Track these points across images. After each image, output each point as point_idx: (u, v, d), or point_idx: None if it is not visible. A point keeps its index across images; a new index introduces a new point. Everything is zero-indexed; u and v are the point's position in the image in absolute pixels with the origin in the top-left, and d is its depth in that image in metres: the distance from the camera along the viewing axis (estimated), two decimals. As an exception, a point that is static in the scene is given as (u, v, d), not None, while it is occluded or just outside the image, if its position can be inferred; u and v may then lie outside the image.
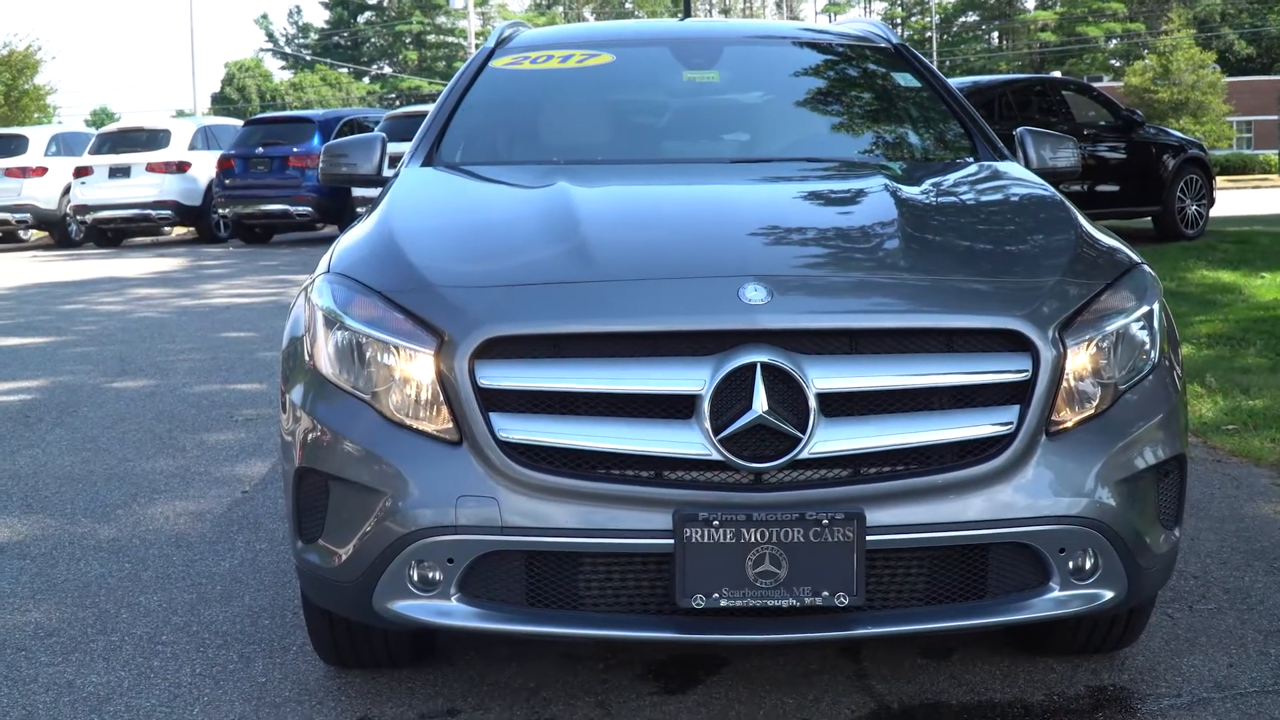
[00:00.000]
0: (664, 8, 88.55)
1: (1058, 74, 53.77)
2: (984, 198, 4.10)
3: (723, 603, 2.91)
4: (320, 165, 4.81)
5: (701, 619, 2.97)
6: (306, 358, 3.31)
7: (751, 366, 2.89)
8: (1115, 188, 15.53)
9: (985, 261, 3.41)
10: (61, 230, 24.39)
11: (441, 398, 3.03)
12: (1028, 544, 3.02)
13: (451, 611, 3.06)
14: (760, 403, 2.87)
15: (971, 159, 4.54)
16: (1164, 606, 4.13)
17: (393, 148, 4.84)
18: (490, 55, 5.12)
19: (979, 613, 3.06)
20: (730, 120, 5.02)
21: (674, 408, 2.93)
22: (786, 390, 2.89)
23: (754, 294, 2.98)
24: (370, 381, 3.13)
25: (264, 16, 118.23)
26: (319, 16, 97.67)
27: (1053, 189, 4.06)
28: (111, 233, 24.10)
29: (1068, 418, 3.08)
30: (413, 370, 3.07)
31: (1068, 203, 3.87)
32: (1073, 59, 78.28)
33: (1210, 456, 6.15)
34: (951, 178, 4.22)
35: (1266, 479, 5.74)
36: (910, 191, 3.90)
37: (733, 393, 2.89)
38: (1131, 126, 15.76)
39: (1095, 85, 26.88)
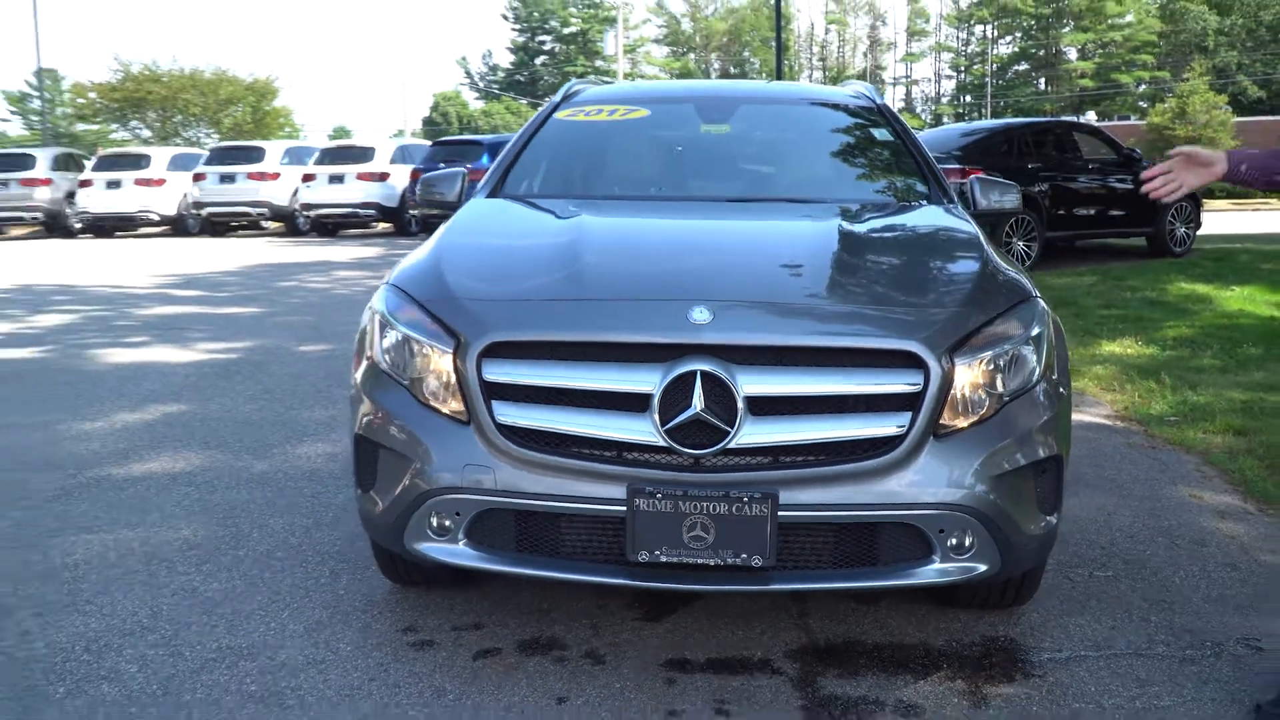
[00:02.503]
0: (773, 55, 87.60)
1: (1092, 115, 52.28)
2: (915, 237, 3.95)
3: (663, 558, 2.91)
4: (418, 193, 4.84)
5: (647, 570, 2.96)
6: (368, 350, 3.36)
7: (693, 373, 2.88)
8: (1120, 212, 15.05)
9: (897, 291, 3.32)
10: (291, 223, 24.86)
11: (457, 387, 3.05)
12: (913, 524, 2.96)
13: (459, 553, 3.10)
14: (699, 402, 2.86)
15: (925, 202, 4.38)
16: (1066, 570, 4.01)
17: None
18: (556, 108, 5.07)
19: (871, 577, 3.02)
20: (735, 167, 4.90)
21: (632, 403, 2.92)
22: (721, 392, 2.87)
23: (699, 315, 2.95)
24: (409, 372, 3.17)
25: (463, 58, 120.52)
26: (505, 59, 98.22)
27: (977, 230, 3.91)
28: (330, 226, 24.51)
29: (955, 422, 3.00)
30: (438, 364, 3.09)
31: (984, 242, 3.72)
32: (1107, 100, 75.83)
33: (1148, 444, 5.89)
34: (895, 219, 4.10)
35: (1191, 465, 5.47)
36: (855, 230, 3.81)
37: (678, 393, 2.88)
38: (1131, 162, 15.23)
39: (1106, 126, 25.90)
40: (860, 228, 3.86)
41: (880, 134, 4.91)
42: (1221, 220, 28.14)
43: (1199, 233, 16.26)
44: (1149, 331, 9.29)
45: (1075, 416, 6.46)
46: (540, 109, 5.13)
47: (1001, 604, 3.59)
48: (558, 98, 5.19)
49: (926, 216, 4.15)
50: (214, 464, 5.42)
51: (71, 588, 3.84)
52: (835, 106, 5.22)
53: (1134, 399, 6.86)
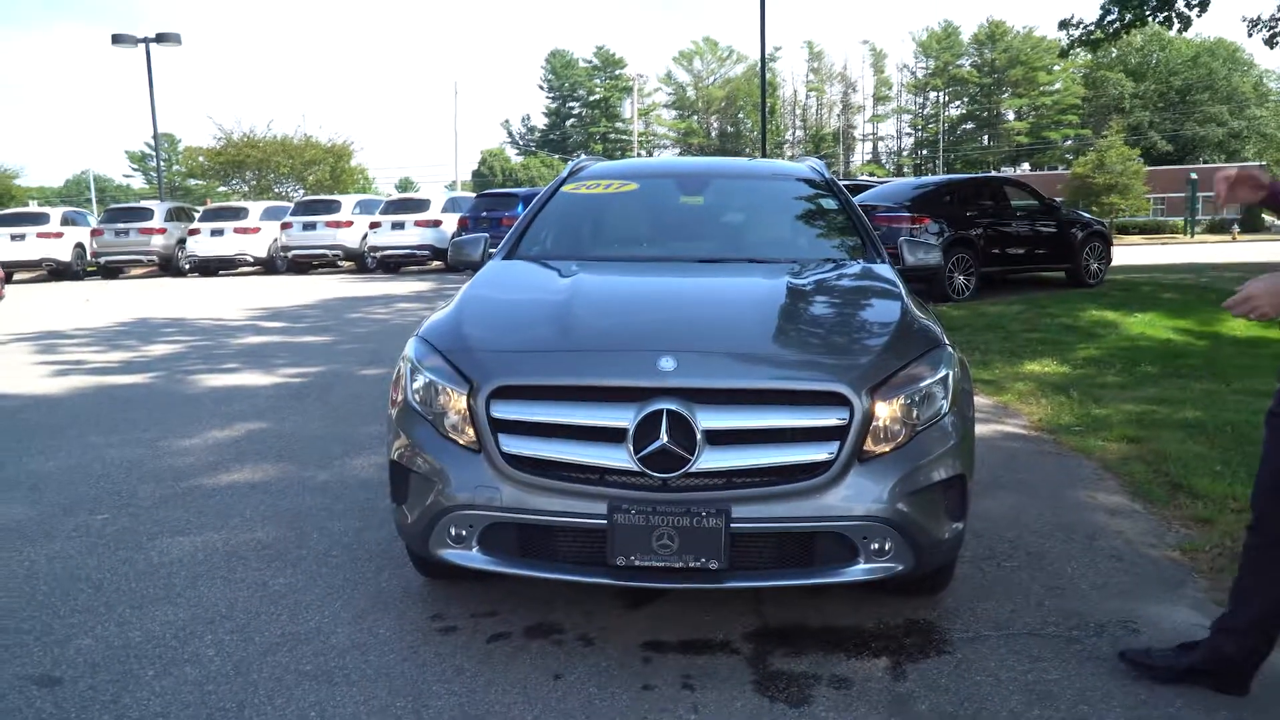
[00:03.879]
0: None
1: (1026, 166, 52.23)
2: (847, 291, 3.96)
3: (637, 562, 2.95)
4: (450, 254, 4.90)
5: (624, 571, 2.99)
6: (401, 390, 3.41)
7: (660, 411, 2.92)
8: (1043, 251, 15.03)
9: (829, 340, 3.36)
10: (361, 262, 24.87)
11: (470, 422, 3.10)
12: (841, 533, 2.99)
13: (473, 558, 3.14)
14: (665, 435, 2.90)
15: (860, 261, 4.36)
16: (979, 563, 4.02)
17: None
18: (563, 182, 5.10)
19: (808, 575, 3.04)
20: (706, 232, 4.90)
21: (611, 435, 2.96)
22: (683, 427, 2.91)
23: (666, 364, 3.00)
24: (433, 409, 3.22)
25: (506, 121, 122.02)
26: (541, 121, 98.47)
27: (900, 285, 3.92)
28: (393, 264, 24.55)
29: (875, 449, 3.03)
30: (455, 404, 3.14)
31: (904, 297, 3.74)
32: (1039, 153, 75.70)
33: (1056, 451, 5.87)
34: (833, 276, 4.10)
35: (1089, 469, 5.45)
36: (799, 285, 3.83)
37: (649, 427, 2.92)
38: (1052, 210, 15.21)
39: (1037, 175, 25.71)
40: (803, 284, 3.88)
41: (827, 203, 4.91)
42: (1133, 253, 27.93)
43: (1111, 265, 16.21)
44: (1064, 352, 9.27)
45: (998, 427, 6.49)
46: (550, 183, 5.16)
47: (920, 592, 3.62)
48: (564, 173, 5.21)
49: (859, 274, 4.16)
50: (286, 474, 5.46)
51: (166, 583, 3.90)
52: (790, 179, 5.22)
53: (1047, 411, 6.86)
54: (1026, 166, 73.10)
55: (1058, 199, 15.95)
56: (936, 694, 2.99)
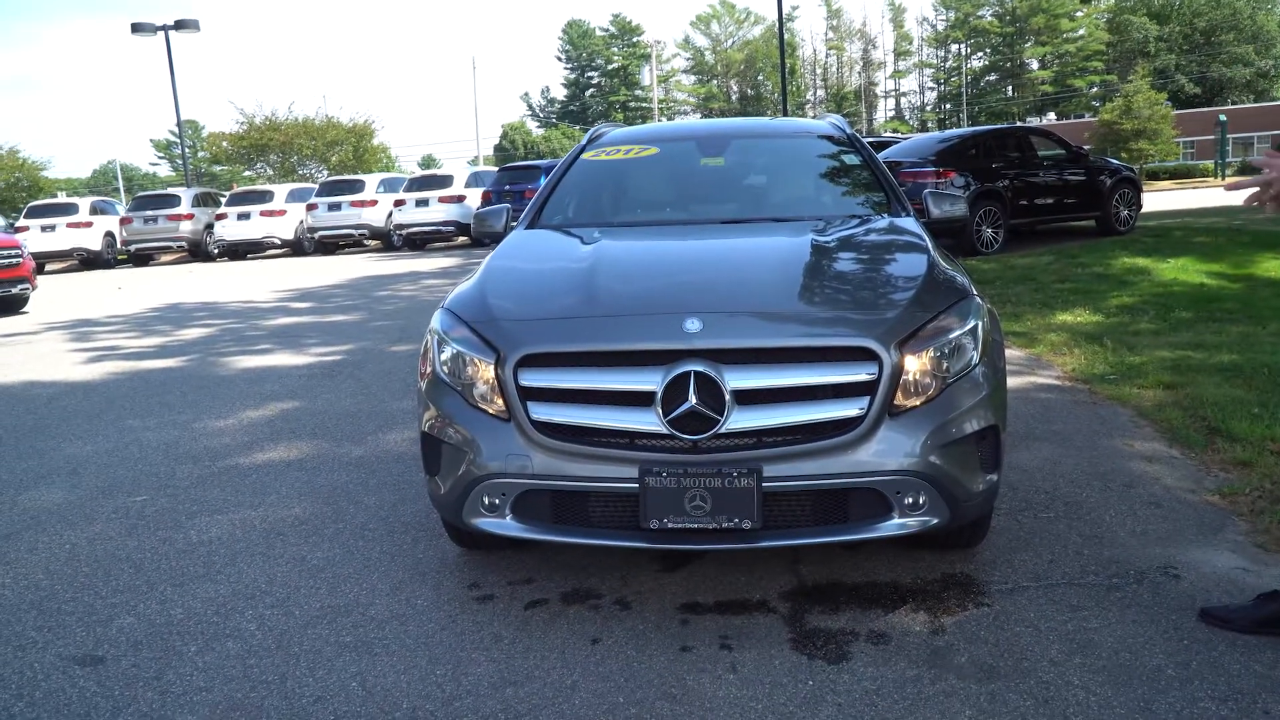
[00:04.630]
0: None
1: (1053, 115, 51.42)
2: (873, 246, 3.90)
3: (670, 525, 2.94)
4: (473, 226, 4.88)
5: (658, 534, 2.99)
6: (429, 362, 3.40)
7: (688, 373, 2.90)
8: (1073, 200, 14.79)
9: (856, 295, 3.30)
10: (387, 240, 24.96)
11: (498, 391, 3.09)
12: (874, 489, 2.97)
13: (506, 526, 3.14)
14: (693, 397, 2.88)
15: (886, 215, 4.29)
16: (1015, 514, 3.97)
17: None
18: (583, 149, 5.05)
19: (842, 532, 3.02)
20: (728, 193, 4.83)
21: (640, 399, 2.94)
22: (711, 388, 2.89)
23: (691, 325, 2.97)
24: (460, 379, 3.21)
25: (525, 94, 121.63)
26: (560, 92, 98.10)
27: (927, 238, 3.85)
28: (419, 241, 24.59)
29: (906, 403, 2.99)
30: (483, 374, 3.13)
31: (931, 248, 3.68)
32: (1064, 102, 74.40)
33: (1090, 400, 5.80)
34: (858, 232, 4.02)
35: (1126, 417, 5.38)
36: (824, 243, 3.77)
37: (677, 389, 2.90)
38: (1079, 158, 14.93)
39: (1064, 124, 25.33)
40: (828, 241, 3.82)
41: (849, 159, 4.83)
42: (1163, 199, 27.45)
43: (1142, 211, 15.93)
44: (1096, 301, 9.14)
45: (1031, 379, 6.42)
46: (570, 150, 5.12)
47: (957, 546, 3.59)
48: (584, 140, 5.16)
49: (884, 228, 4.09)
50: (320, 451, 5.49)
51: (205, 561, 3.94)
52: (812, 136, 5.14)
53: (1081, 361, 6.77)
54: (1052, 116, 71.99)
55: (1085, 146, 15.62)
56: (975, 646, 2.97)
